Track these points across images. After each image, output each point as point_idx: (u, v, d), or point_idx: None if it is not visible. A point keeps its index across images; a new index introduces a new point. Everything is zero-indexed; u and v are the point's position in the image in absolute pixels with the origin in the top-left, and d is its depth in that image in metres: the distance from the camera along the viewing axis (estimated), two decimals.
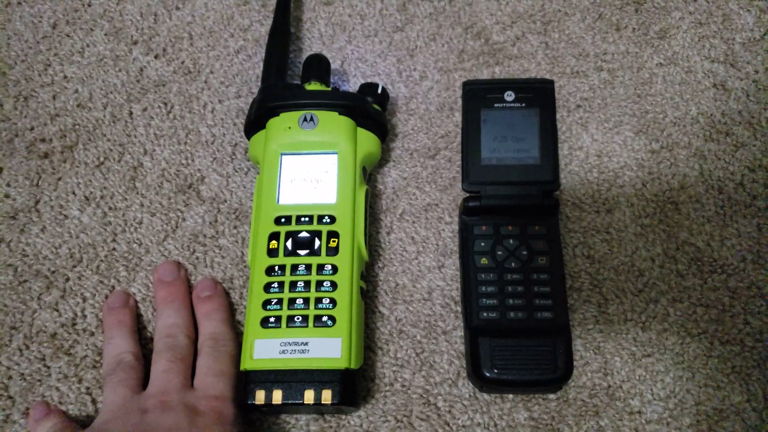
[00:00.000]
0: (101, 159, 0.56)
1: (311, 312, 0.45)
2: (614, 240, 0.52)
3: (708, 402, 0.47)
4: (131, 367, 0.46)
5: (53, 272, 0.51)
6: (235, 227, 0.53)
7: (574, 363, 0.46)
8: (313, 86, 0.54)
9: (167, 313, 0.48)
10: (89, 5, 0.63)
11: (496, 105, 0.50)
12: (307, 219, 0.48)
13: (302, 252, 0.47)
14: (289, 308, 0.45)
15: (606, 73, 0.59)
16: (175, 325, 0.48)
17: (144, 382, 0.46)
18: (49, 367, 0.48)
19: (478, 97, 0.50)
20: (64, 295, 0.51)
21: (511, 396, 0.47)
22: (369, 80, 0.58)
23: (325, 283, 0.46)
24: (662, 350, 0.49)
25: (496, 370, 0.44)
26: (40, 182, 0.55)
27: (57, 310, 0.50)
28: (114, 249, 0.52)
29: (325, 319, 0.45)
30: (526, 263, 0.48)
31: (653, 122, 0.57)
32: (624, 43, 0.61)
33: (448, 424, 0.47)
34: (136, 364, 0.46)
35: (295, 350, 0.44)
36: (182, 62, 0.61)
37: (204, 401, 0.43)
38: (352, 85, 0.60)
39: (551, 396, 0.47)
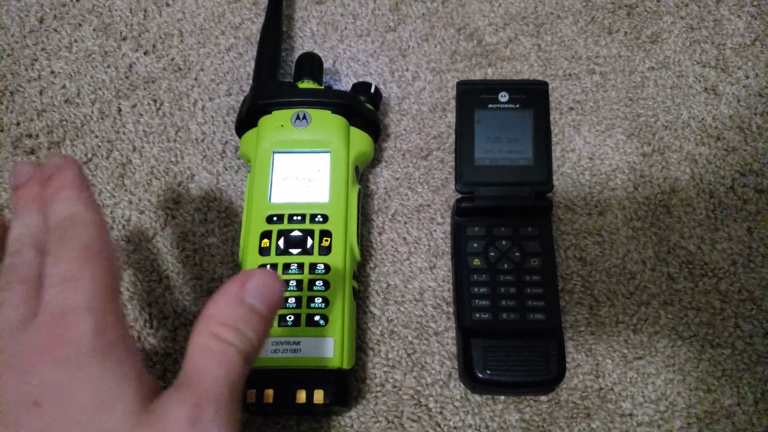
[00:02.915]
0: (89, 155, 0.55)
1: (303, 311, 0.44)
2: (606, 242, 0.52)
3: (699, 405, 0.47)
4: None
5: None
6: (225, 226, 0.53)
7: (566, 365, 0.46)
8: (306, 84, 0.53)
9: (15, 225, 0.35)
10: (77, 0, 0.62)
11: (490, 106, 0.50)
12: (299, 218, 0.48)
13: (294, 251, 0.47)
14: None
15: (598, 76, 0.59)
16: (20, 238, 0.34)
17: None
18: None
19: (472, 97, 0.50)
20: None
21: (502, 397, 0.47)
22: (361, 80, 0.58)
23: (317, 282, 0.45)
24: (653, 353, 0.49)
25: (488, 371, 0.44)
26: None
27: None
28: None
29: (317, 318, 0.44)
30: (518, 264, 0.48)
31: (645, 125, 0.57)
32: (616, 47, 0.61)
33: (439, 426, 0.46)
34: None
35: (287, 349, 0.43)
36: (172, 59, 0.60)
37: (47, 329, 0.30)
38: (344, 85, 0.59)
39: (543, 398, 0.47)
